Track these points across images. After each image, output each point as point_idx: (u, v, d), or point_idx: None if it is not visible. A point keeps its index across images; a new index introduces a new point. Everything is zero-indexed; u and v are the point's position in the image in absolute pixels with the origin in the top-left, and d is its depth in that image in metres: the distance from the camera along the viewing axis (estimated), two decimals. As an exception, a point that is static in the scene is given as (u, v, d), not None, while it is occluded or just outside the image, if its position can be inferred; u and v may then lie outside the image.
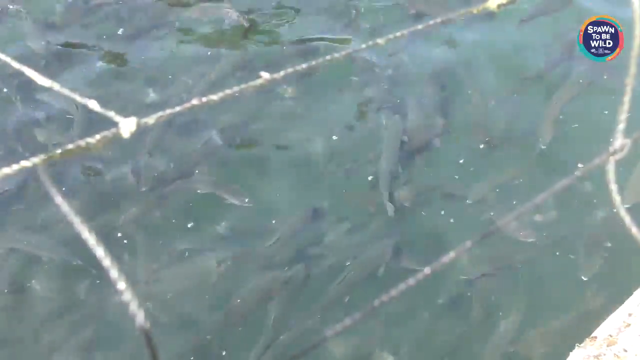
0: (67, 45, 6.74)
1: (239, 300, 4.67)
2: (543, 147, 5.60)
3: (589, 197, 5.17)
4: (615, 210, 1.37)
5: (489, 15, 6.39)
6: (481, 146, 5.69)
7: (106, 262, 0.81)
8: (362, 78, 6.28)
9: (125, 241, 5.05)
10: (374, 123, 5.95)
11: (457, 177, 5.51)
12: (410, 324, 4.64)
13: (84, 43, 6.76)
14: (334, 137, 5.78)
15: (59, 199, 0.87)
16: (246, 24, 6.86)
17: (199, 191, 5.39)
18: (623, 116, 1.40)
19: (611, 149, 1.37)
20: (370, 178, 5.48)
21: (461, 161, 5.58)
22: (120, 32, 6.84)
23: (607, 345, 3.32)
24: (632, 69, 1.42)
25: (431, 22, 1.81)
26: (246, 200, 5.25)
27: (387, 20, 6.93)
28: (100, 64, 6.54)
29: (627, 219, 1.32)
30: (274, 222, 5.17)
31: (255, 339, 4.49)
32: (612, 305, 3.78)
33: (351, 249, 5.01)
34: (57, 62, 6.47)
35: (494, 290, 4.83)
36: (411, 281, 0.99)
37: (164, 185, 5.43)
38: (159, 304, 4.69)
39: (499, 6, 1.66)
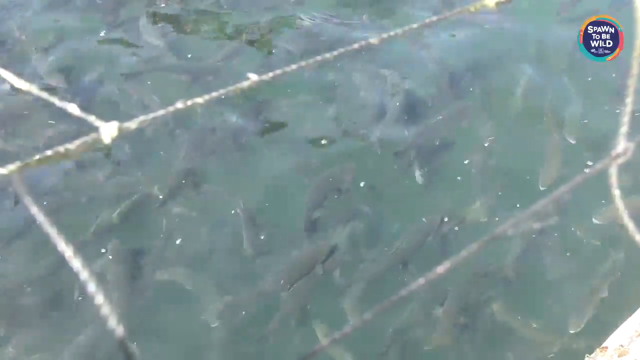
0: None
1: None
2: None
3: (590, 203, 5.17)
4: (618, 216, 1.36)
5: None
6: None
7: (84, 275, 0.80)
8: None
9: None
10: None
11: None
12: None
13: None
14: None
15: (34, 209, 0.86)
16: None
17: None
18: (626, 118, 1.39)
19: (614, 152, 1.36)
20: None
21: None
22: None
23: (619, 356, 3.30)
24: (635, 70, 1.41)
25: (427, 20, 1.80)
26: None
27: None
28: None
29: (631, 226, 1.31)
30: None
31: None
32: (622, 315, 3.77)
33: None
34: None
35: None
36: (403, 292, 0.99)
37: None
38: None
39: (497, 4, 1.66)
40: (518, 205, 5.25)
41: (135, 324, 4.60)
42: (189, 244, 5.21)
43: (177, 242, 5.19)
